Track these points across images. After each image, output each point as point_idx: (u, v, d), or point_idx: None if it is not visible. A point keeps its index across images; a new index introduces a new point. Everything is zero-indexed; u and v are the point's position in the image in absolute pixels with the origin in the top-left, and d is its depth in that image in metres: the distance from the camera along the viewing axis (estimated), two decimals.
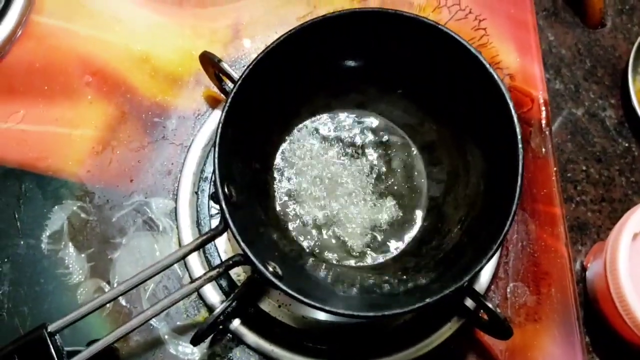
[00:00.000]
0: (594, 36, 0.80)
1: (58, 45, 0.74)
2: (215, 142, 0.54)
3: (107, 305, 0.61)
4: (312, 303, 0.50)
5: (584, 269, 0.70)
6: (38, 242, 0.66)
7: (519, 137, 0.54)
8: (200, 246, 0.56)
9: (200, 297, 0.64)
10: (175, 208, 0.68)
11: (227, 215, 0.52)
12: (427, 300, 0.50)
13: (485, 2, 0.77)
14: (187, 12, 0.76)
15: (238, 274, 0.65)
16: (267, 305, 0.64)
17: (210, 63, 0.64)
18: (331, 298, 0.55)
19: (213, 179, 0.57)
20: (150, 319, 0.54)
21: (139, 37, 0.74)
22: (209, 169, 0.69)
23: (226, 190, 0.54)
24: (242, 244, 0.52)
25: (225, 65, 0.62)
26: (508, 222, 0.51)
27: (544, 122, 0.72)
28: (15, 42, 0.74)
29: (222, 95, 0.70)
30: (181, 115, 0.72)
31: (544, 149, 0.71)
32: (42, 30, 0.74)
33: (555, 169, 0.70)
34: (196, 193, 0.68)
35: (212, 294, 0.64)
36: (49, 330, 0.52)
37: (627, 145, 0.75)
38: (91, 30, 0.75)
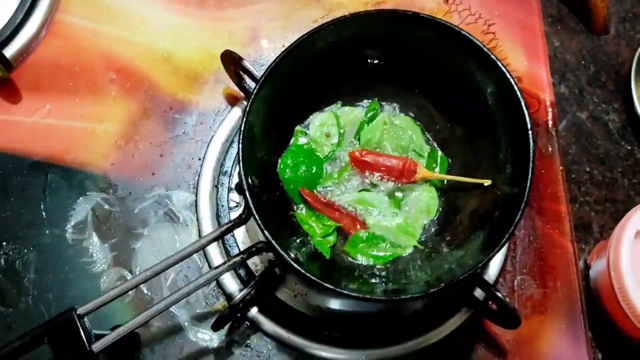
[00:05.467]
0: (598, 42, 0.82)
1: (83, 44, 0.76)
2: (240, 136, 0.56)
3: (130, 292, 0.63)
4: (330, 286, 0.52)
5: (587, 267, 0.71)
6: (63, 232, 0.68)
7: (531, 134, 0.56)
8: (223, 234, 0.58)
9: (219, 286, 0.66)
10: (196, 201, 0.70)
11: (251, 204, 0.54)
12: (441, 285, 0.52)
13: (495, 8, 0.79)
14: (207, 13, 0.79)
15: (255, 264, 0.67)
16: (283, 295, 0.66)
17: (231, 61, 0.66)
18: (347, 284, 0.57)
19: (237, 170, 0.59)
20: (175, 303, 0.56)
21: (162, 37, 0.77)
22: (228, 163, 0.71)
23: (250, 180, 0.56)
24: (265, 231, 0.54)
25: (247, 64, 0.65)
26: (518, 214, 0.54)
27: (550, 122, 0.74)
28: (41, 41, 0.76)
29: (241, 93, 0.72)
30: (201, 112, 0.74)
31: (550, 149, 0.73)
32: (67, 29, 0.77)
33: (561, 167, 0.72)
34: (216, 186, 0.70)
35: (231, 283, 0.66)
36: (78, 312, 0.54)
37: (629, 148, 0.77)
38: (115, 30, 0.77)
